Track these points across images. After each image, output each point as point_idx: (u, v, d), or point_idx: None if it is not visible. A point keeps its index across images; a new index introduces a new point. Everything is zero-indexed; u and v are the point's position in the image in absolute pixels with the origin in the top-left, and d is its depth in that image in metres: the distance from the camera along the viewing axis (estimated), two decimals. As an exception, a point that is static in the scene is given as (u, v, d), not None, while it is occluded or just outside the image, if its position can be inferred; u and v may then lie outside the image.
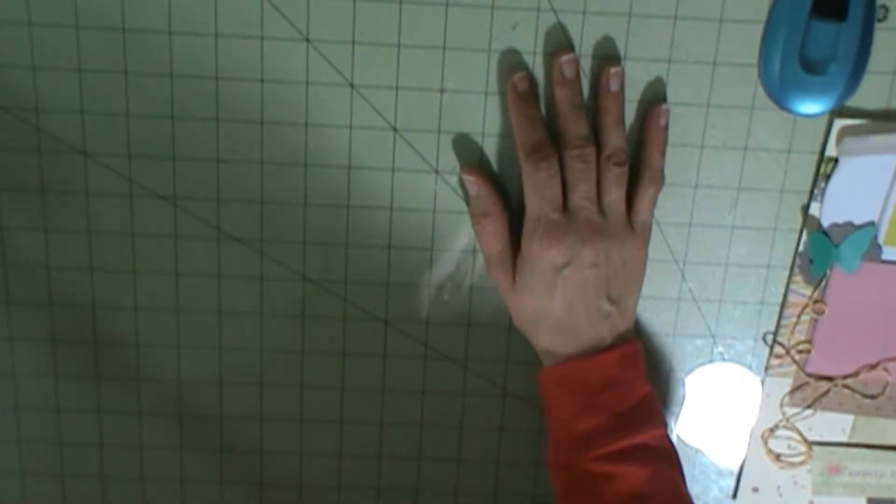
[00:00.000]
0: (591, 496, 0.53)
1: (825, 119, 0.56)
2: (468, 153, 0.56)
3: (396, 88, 0.55)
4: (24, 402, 0.60)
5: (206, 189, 0.57)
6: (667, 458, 0.55)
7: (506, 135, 0.56)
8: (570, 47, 0.54)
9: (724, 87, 0.55)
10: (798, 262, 0.59)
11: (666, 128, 0.55)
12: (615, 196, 0.54)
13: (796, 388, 0.61)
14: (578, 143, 0.53)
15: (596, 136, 0.54)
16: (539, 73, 0.55)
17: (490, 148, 0.56)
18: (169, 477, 0.63)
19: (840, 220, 0.57)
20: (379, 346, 0.60)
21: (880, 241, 0.57)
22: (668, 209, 0.58)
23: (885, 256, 0.58)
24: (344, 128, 0.56)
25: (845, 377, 0.61)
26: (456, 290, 0.59)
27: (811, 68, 0.53)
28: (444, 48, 0.54)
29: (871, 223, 0.57)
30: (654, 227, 0.58)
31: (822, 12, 0.52)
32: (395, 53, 0.54)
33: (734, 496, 0.64)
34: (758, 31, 0.54)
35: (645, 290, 0.59)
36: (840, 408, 0.62)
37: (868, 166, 0.56)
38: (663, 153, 0.56)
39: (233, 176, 0.56)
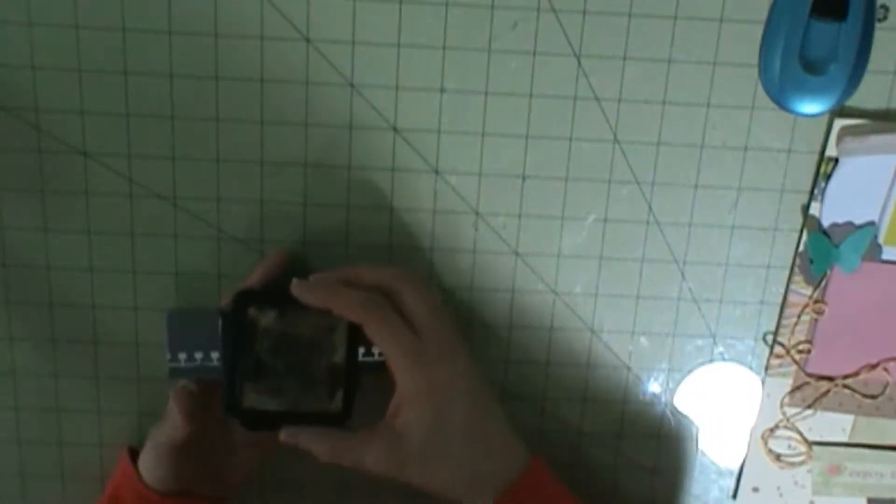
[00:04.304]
0: None
1: (825, 119, 0.56)
2: (468, 153, 0.56)
3: (396, 88, 0.55)
4: (24, 402, 0.60)
5: (206, 189, 0.57)
6: None
7: (506, 135, 0.56)
8: (570, 47, 0.54)
9: (724, 87, 0.55)
10: (798, 262, 0.59)
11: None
12: None
13: (796, 388, 0.61)
14: None
15: None
16: (538, 71, 0.55)
17: (490, 148, 0.56)
18: (169, 477, 0.63)
19: (840, 220, 0.57)
20: (379, 346, 0.60)
21: (880, 241, 0.57)
22: (668, 209, 0.58)
23: (885, 256, 0.58)
24: (344, 128, 0.56)
25: (845, 377, 0.61)
26: (456, 289, 0.59)
27: (811, 68, 0.53)
28: (444, 48, 0.54)
29: (871, 223, 0.57)
30: (655, 227, 0.58)
31: (822, 12, 0.52)
32: (395, 53, 0.54)
33: (734, 496, 0.64)
34: (758, 31, 0.54)
35: (645, 290, 0.59)
36: (840, 408, 0.62)
37: (868, 166, 0.56)
38: None
39: (233, 176, 0.56)
